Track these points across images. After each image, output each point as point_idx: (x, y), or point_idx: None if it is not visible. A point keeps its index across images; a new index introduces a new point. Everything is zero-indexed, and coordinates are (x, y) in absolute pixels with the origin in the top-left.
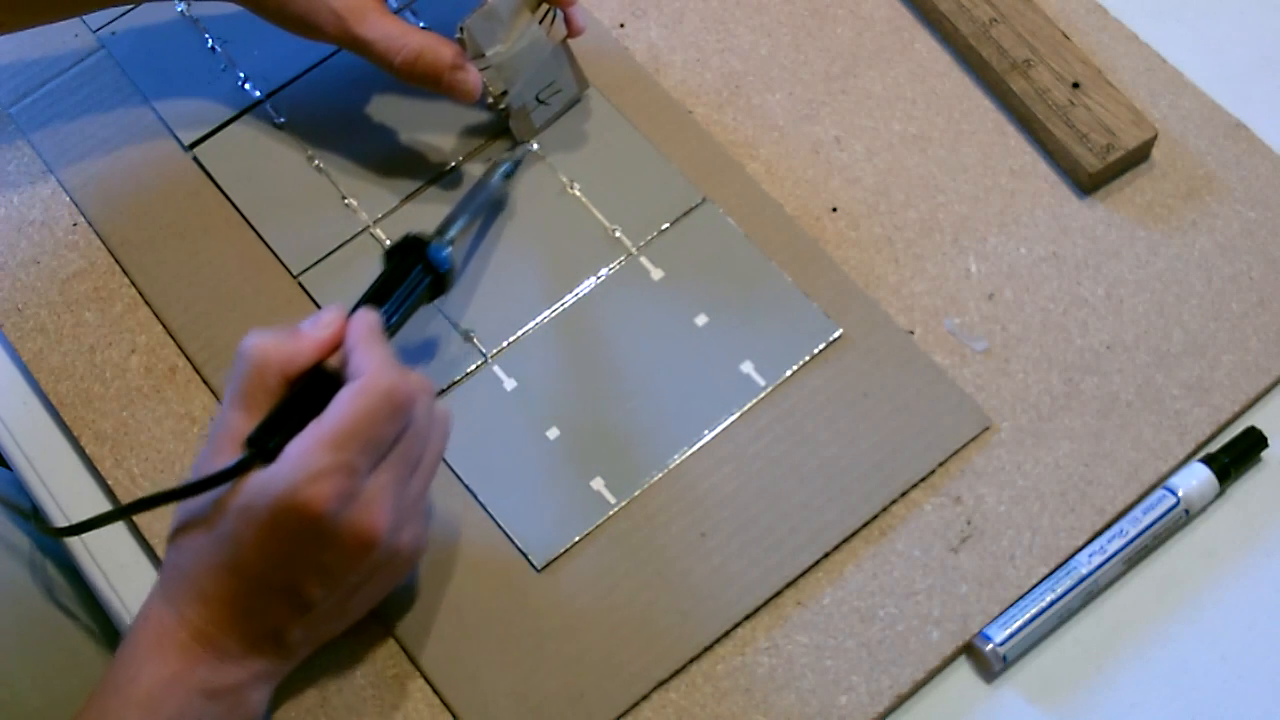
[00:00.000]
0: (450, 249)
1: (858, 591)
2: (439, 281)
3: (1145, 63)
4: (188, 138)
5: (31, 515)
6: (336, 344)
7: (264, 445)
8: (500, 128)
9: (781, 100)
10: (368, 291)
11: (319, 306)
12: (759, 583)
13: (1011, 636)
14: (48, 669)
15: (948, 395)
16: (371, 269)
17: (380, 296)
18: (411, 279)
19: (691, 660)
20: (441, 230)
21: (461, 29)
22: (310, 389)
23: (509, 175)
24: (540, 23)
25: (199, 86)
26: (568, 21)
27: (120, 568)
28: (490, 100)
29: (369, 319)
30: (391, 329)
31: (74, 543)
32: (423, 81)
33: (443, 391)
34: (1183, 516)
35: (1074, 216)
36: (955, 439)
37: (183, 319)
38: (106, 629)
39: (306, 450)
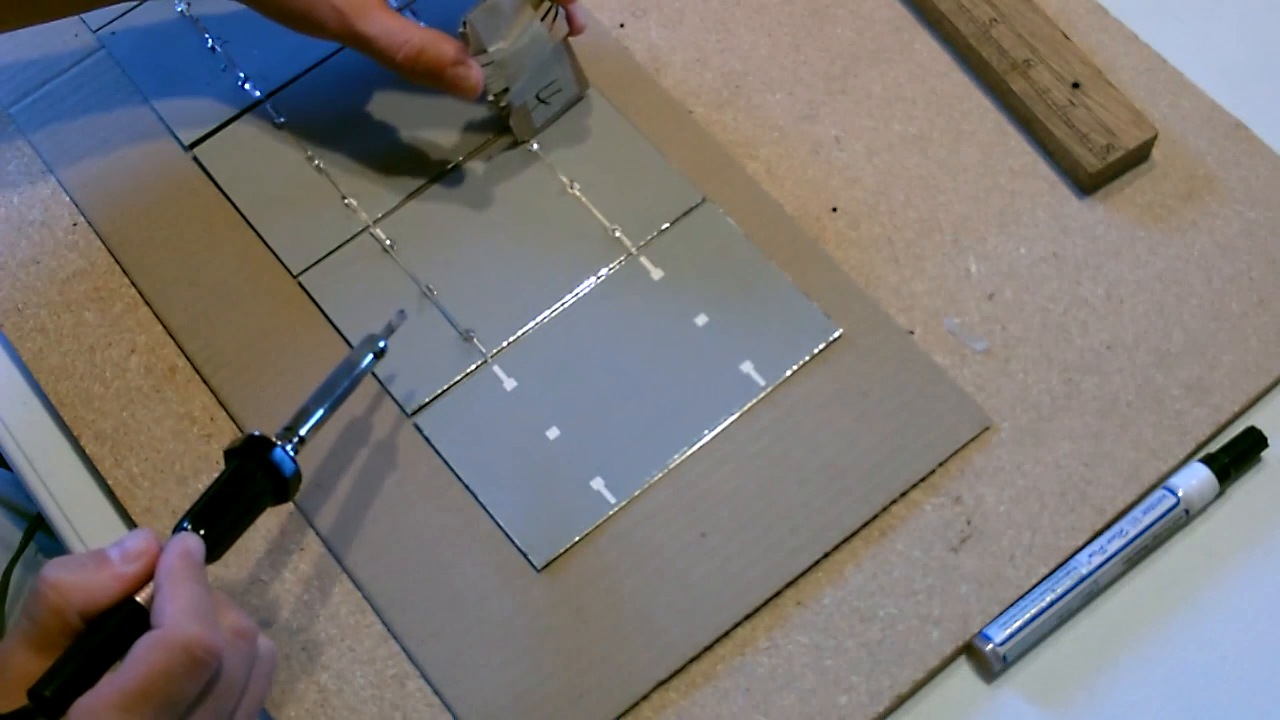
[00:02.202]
0: (296, 451)
1: (858, 591)
2: (282, 487)
3: (1145, 63)
4: (188, 137)
5: (34, 520)
6: (147, 576)
7: (46, 699)
8: (500, 126)
9: (781, 100)
10: (200, 500)
11: (319, 307)
12: (759, 583)
13: (1011, 636)
14: None
15: (948, 395)
16: (371, 269)
17: (211, 510)
18: (251, 488)
19: (691, 660)
20: (292, 427)
21: (464, 23)
22: (111, 631)
23: (379, 355)
24: (542, 20)
25: (199, 86)
26: (569, 19)
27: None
28: (491, 97)
29: (184, 547)
30: (216, 553)
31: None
32: (425, 78)
33: (443, 392)
34: (1183, 516)
35: (1074, 216)
36: (955, 439)
37: (183, 319)
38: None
39: (94, 709)
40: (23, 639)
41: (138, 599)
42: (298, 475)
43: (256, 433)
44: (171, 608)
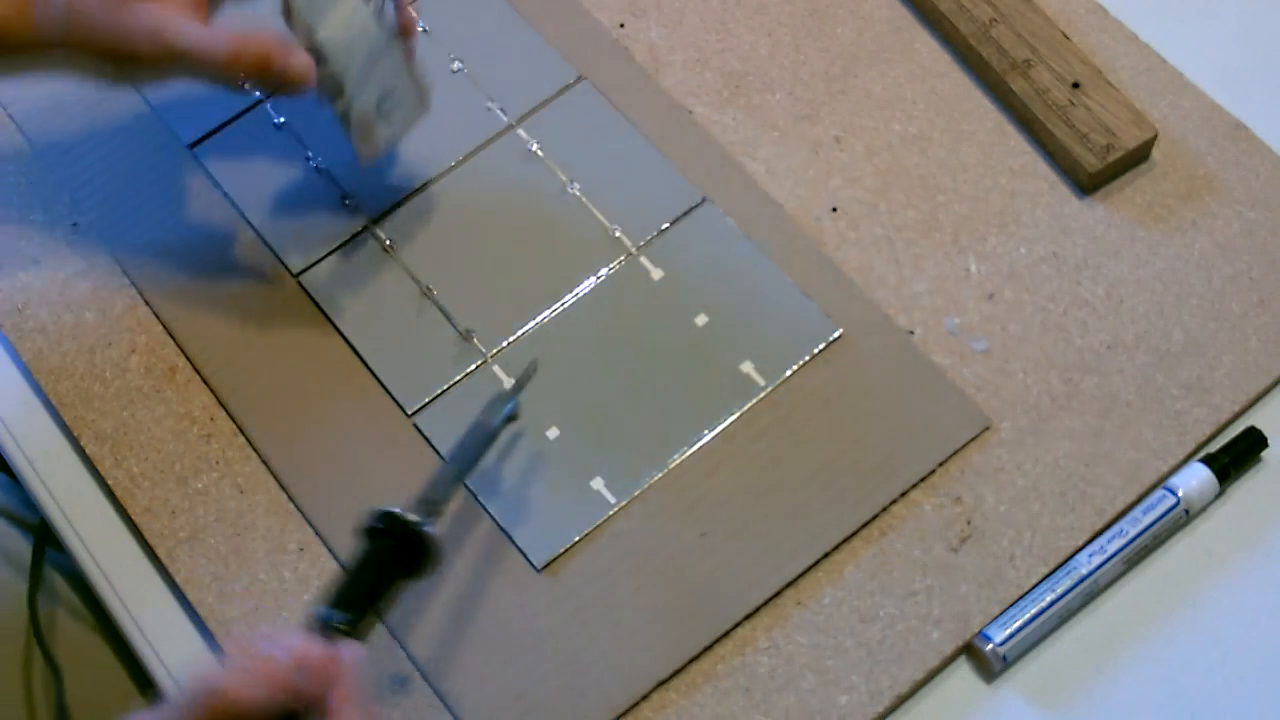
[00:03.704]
0: (434, 523)
1: (858, 591)
2: (421, 563)
3: (1145, 63)
4: (189, 136)
5: (39, 532)
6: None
7: None
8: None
9: (781, 100)
10: (346, 586)
11: (319, 307)
12: (759, 583)
13: (1011, 636)
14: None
15: (948, 395)
16: (371, 268)
17: (354, 596)
18: (391, 569)
19: (691, 660)
20: (431, 502)
21: (286, 0)
22: None
23: (512, 418)
24: (368, 5)
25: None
26: (398, 13)
27: (133, 590)
28: (325, 94)
29: (356, 668)
30: (365, 638)
31: (81, 553)
32: (252, 75)
33: (443, 392)
34: (1183, 516)
35: (1074, 216)
36: (955, 439)
37: (182, 319)
38: (114, 639)
39: None
40: None
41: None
42: (440, 551)
43: (395, 510)
44: None
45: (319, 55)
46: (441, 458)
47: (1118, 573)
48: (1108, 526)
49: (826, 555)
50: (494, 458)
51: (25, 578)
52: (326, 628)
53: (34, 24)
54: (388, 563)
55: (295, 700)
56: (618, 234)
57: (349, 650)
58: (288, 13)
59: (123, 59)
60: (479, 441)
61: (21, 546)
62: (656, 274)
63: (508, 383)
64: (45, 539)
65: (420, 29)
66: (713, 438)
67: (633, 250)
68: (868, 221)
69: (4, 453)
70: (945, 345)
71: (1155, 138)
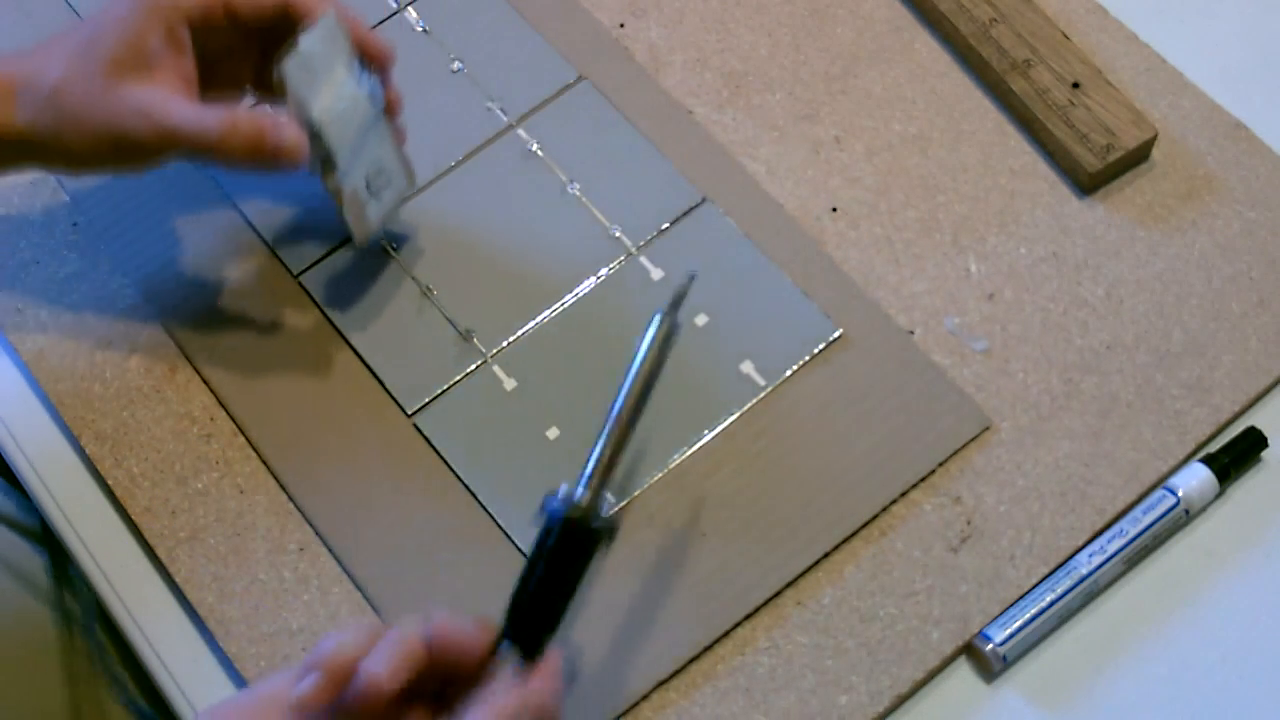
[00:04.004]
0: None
1: (858, 591)
2: (596, 547)
3: (1145, 63)
4: None
5: (39, 535)
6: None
7: None
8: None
9: (781, 100)
10: (528, 589)
11: (321, 310)
12: (759, 583)
13: (1011, 636)
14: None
15: (947, 395)
16: (372, 268)
17: (548, 601)
18: (577, 572)
19: (691, 660)
20: (597, 487)
21: (278, 73)
22: None
23: (672, 339)
24: (358, 84)
25: None
26: (384, 87)
27: (133, 590)
28: (317, 171)
29: (557, 674)
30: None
31: (81, 553)
32: (246, 153)
33: (443, 392)
34: (1183, 516)
35: (1074, 216)
36: (955, 439)
37: (182, 319)
38: (121, 650)
39: None
40: None
41: None
42: (614, 531)
43: (563, 509)
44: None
45: (311, 131)
46: (442, 459)
47: (1118, 573)
48: (1108, 526)
49: (826, 555)
50: (494, 458)
51: (33, 589)
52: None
53: (15, 115)
54: (574, 567)
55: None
56: (617, 234)
57: (553, 661)
58: (279, 85)
59: (114, 142)
60: (645, 388)
61: (23, 550)
62: (656, 274)
63: (508, 383)
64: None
65: (420, 29)
66: (713, 438)
67: (633, 250)
68: (868, 221)
69: (4, 453)
70: (945, 345)
71: (1155, 138)
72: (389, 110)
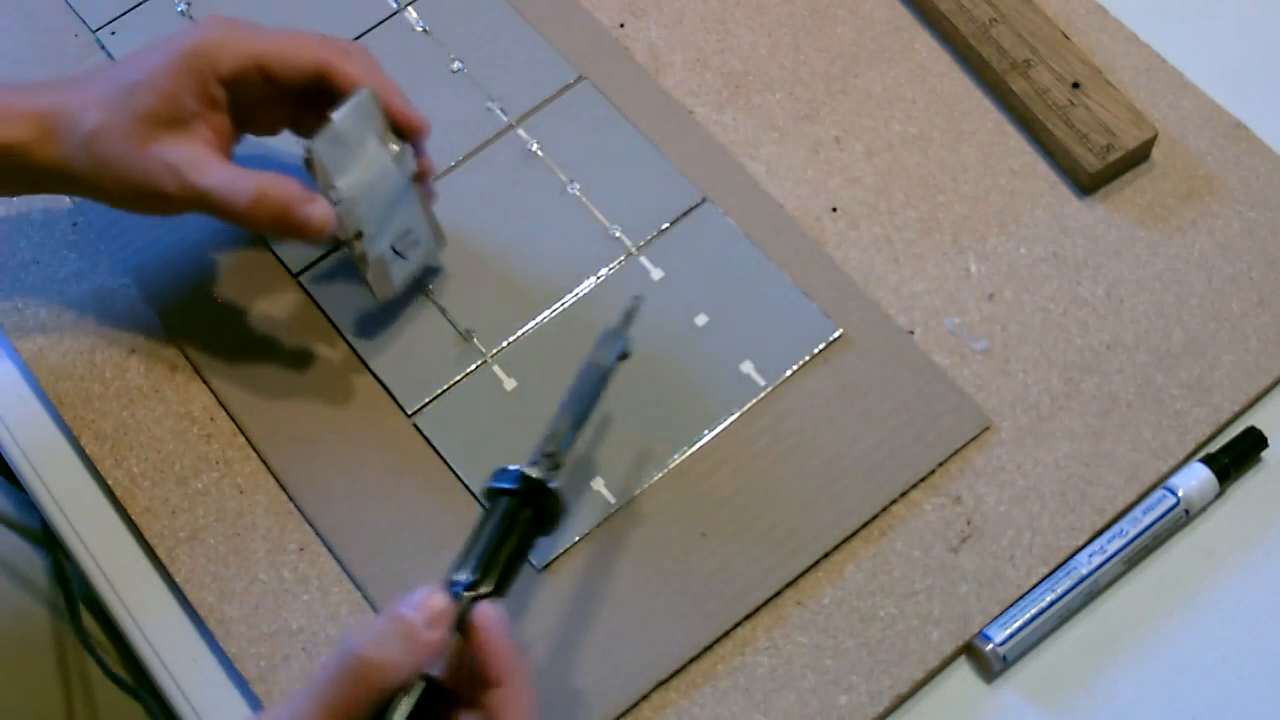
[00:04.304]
0: (556, 476)
1: (858, 591)
2: (549, 518)
3: (1145, 63)
4: None
5: (41, 536)
6: (445, 641)
7: None
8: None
9: (781, 100)
10: (480, 550)
11: (321, 310)
12: (759, 583)
13: (1011, 636)
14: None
15: (948, 395)
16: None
17: (495, 562)
18: (521, 527)
19: (691, 660)
20: (552, 454)
21: (308, 150)
22: (416, 710)
23: (624, 357)
24: (390, 156)
25: None
26: (417, 155)
27: (133, 590)
28: (344, 240)
29: (504, 624)
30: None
31: (81, 553)
32: (271, 224)
33: (443, 392)
34: (1183, 516)
35: (1074, 216)
36: (955, 439)
37: (182, 319)
38: (124, 655)
39: None
40: (324, 710)
41: (432, 673)
42: (564, 502)
43: (517, 469)
44: (521, 707)
45: (340, 204)
46: (442, 459)
47: (1118, 573)
48: (1108, 526)
49: (826, 555)
50: (494, 458)
51: (33, 590)
52: (465, 593)
53: (56, 150)
54: (520, 522)
55: (429, 657)
56: (617, 234)
57: (490, 609)
58: (309, 163)
59: (144, 194)
60: (594, 384)
61: (24, 552)
62: (656, 274)
63: (508, 383)
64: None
65: (420, 29)
66: (713, 438)
67: (633, 250)
68: (868, 221)
69: (4, 453)
70: (945, 345)
71: (1155, 138)
72: (420, 176)
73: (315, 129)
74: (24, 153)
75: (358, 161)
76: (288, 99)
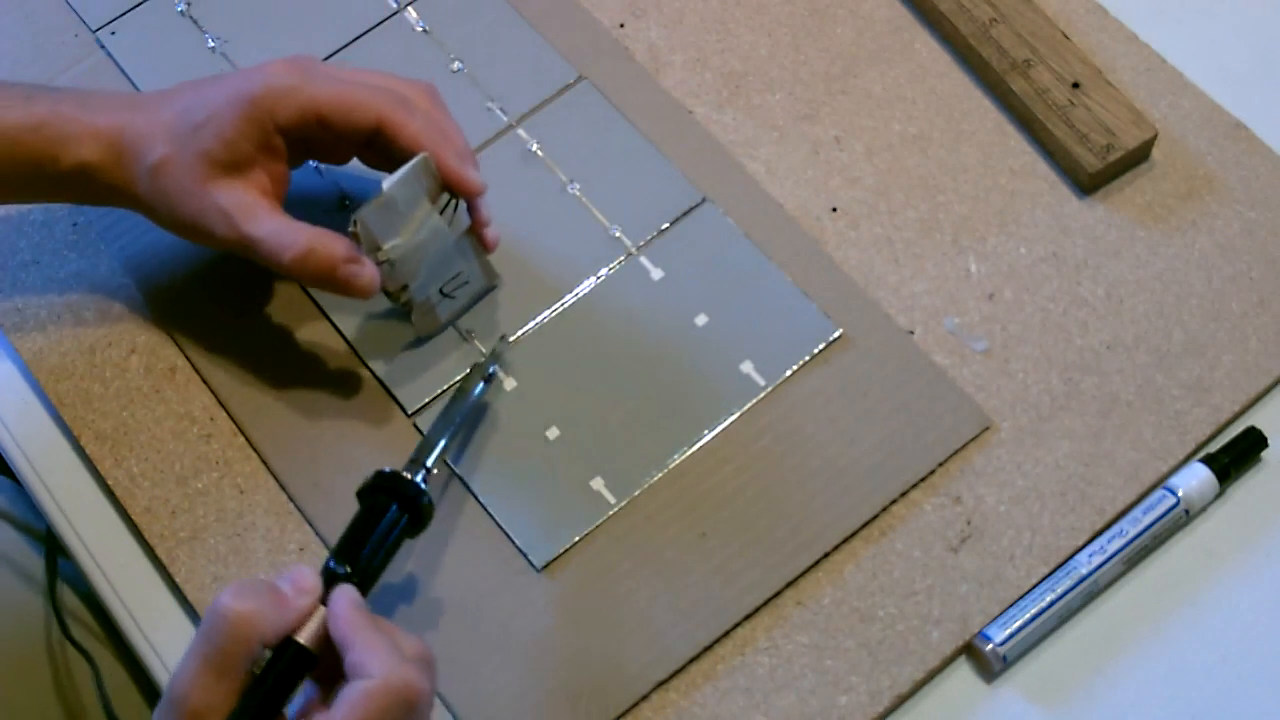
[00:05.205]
0: (425, 482)
1: (858, 591)
2: (418, 517)
3: (1145, 63)
4: None
5: (44, 536)
6: (310, 612)
7: None
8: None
9: (781, 100)
10: (343, 539)
11: (321, 310)
12: (759, 583)
13: (1011, 636)
14: (54, 692)
15: (948, 395)
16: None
17: (357, 550)
18: (387, 522)
19: (691, 660)
20: (418, 458)
21: (355, 222)
22: (285, 668)
23: (489, 381)
24: (441, 213)
25: None
26: (472, 212)
27: (133, 590)
28: (390, 292)
29: (353, 598)
30: (364, 592)
31: (81, 553)
32: (315, 280)
33: (443, 392)
34: (1183, 516)
35: (1074, 216)
36: (955, 439)
37: (182, 319)
38: (123, 654)
39: None
40: (204, 664)
41: (299, 638)
42: (430, 505)
43: (386, 469)
44: (375, 660)
45: (386, 265)
46: (444, 458)
47: (1118, 573)
48: (1108, 526)
49: (826, 555)
50: (494, 458)
51: (34, 585)
52: (331, 576)
53: (127, 173)
54: (385, 517)
55: (296, 619)
56: (617, 234)
57: (349, 593)
58: (355, 236)
59: (196, 230)
60: (459, 408)
61: (29, 553)
62: (656, 274)
63: (509, 383)
64: (55, 544)
65: (420, 29)
66: (713, 438)
67: (633, 250)
68: (868, 221)
69: (4, 453)
70: (945, 345)
71: (1155, 138)
72: (475, 227)
73: (380, 162)
74: (96, 172)
75: (408, 224)
76: (352, 141)
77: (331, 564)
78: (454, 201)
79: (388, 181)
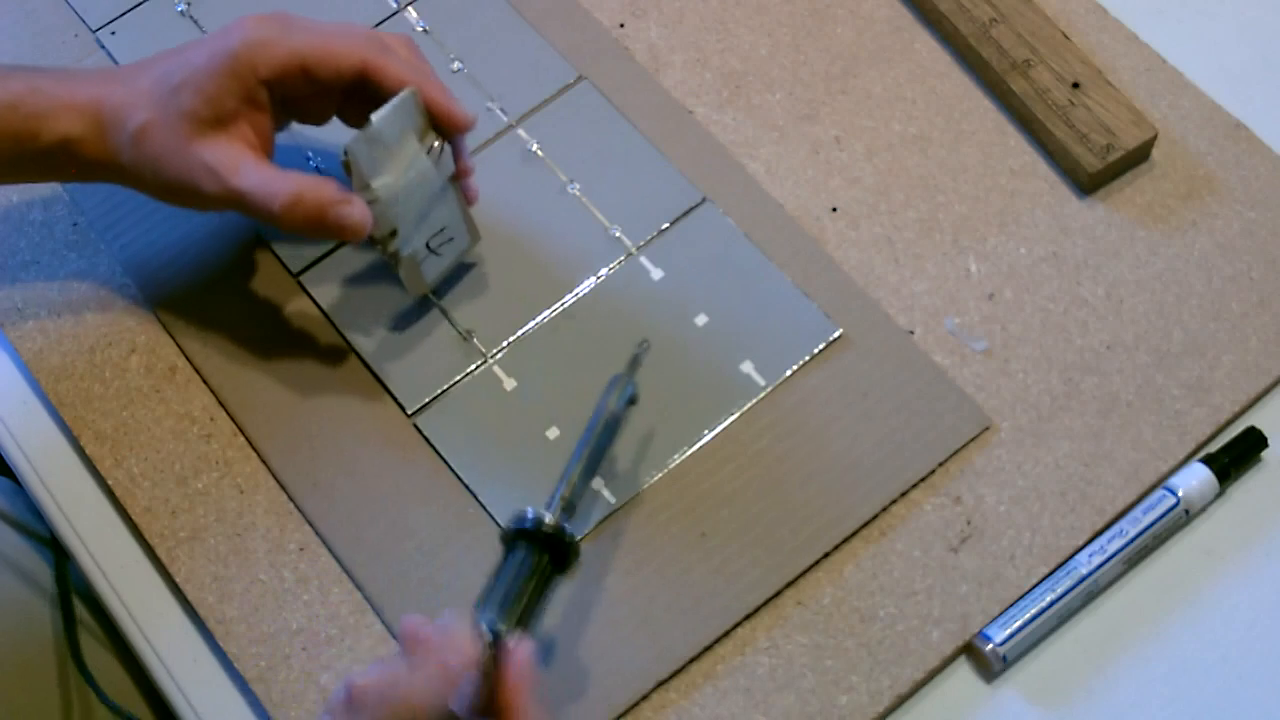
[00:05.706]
0: (570, 520)
1: (858, 591)
2: (566, 565)
3: (1145, 63)
4: None
5: (49, 542)
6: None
7: None
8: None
9: (781, 100)
10: (510, 597)
11: (321, 310)
12: (759, 583)
13: (1011, 636)
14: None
15: (948, 395)
16: (371, 268)
17: (527, 609)
18: (548, 576)
19: (691, 660)
20: (568, 503)
21: (345, 152)
22: None
23: (633, 401)
24: (428, 154)
25: None
26: (456, 158)
27: (133, 590)
28: (379, 241)
29: (529, 668)
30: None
31: (81, 553)
32: (307, 225)
33: (443, 392)
34: (1183, 516)
35: (1074, 216)
36: (955, 439)
37: (182, 319)
38: (124, 655)
39: None
40: None
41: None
42: (579, 552)
43: (533, 513)
44: None
45: (375, 204)
46: (442, 459)
47: (1118, 573)
48: (1108, 526)
49: (826, 555)
50: (494, 458)
51: (34, 586)
52: (494, 637)
53: (109, 144)
54: (542, 570)
55: (469, 707)
56: (617, 234)
57: (527, 657)
58: (347, 165)
59: (183, 191)
60: (605, 432)
61: (29, 553)
62: (656, 274)
63: (509, 383)
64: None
65: (420, 29)
66: (713, 438)
67: (632, 250)
68: (868, 221)
69: (4, 453)
70: (945, 345)
71: (1155, 138)
72: (459, 175)
73: (361, 119)
74: (78, 145)
75: (395, 162)
76: (334, 91)
77: (493, 620)
78: (440, 145)
79: (375, 115)
